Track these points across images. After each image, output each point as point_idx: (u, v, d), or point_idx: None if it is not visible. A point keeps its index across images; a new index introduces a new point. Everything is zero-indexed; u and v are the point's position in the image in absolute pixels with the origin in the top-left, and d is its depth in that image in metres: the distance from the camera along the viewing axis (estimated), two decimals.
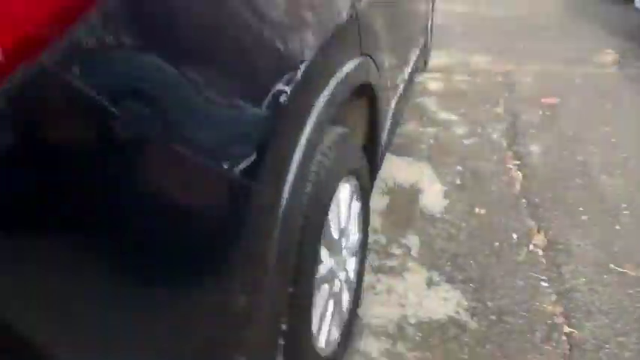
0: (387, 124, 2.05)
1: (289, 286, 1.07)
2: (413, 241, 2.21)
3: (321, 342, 1.43)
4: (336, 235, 1.44)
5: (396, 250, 2.17)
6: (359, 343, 1.80)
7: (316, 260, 1.18)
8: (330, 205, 1.27)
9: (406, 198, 2.49)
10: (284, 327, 1.10)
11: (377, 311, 1.90)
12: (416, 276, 2.04)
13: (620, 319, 1.80)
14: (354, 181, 1.56)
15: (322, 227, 1.21)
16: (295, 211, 0.95)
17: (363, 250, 1.86)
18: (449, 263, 2.09)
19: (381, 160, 2.10)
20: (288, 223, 0.90)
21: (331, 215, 1.42)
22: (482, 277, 2.01)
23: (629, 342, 1.72)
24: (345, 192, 1.50)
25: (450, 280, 2.01)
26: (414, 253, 2.15)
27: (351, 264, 1.74)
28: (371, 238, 2.21)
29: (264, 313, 0.89)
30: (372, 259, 2.12)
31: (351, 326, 1.79)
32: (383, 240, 2.23)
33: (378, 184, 2.56)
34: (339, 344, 1.62)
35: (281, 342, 1.11)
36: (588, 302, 1.87)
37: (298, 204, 0.96)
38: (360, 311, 1.90)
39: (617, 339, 1.73)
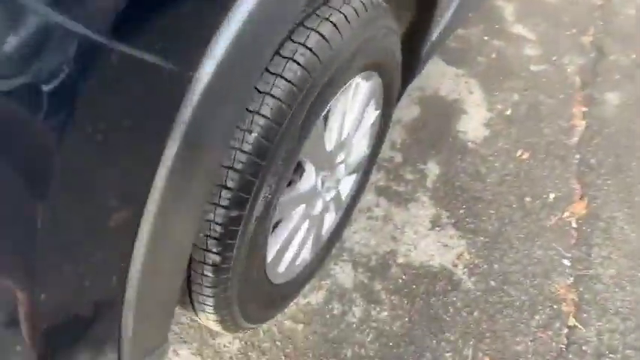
0: (447, 14, 1.58)
1: (228, 209, 0.78)
2: (432, 169, 1.87)
3: (281, 267, 1.18)
4: (329, 147, 1.11)
5: (409, 175, 1.84)
6: (334, 268, 1.57)
7: (279, 181, 0.86)
8: (326, 104, 0.92)
9: (441, 115, 2.09)
10: (215, 258, 0.82)
11: (364, 238, 1.64)
12: (422, 211, 1.73)
13: (637, 330, 1.51)
14: (377, 80, 1.18)
15: (303, 134, 0.87)
16: (227, 95, 0.59)
17: (367, 168, 1.54)
18: (465, 206, 1.77)
19: (425, 60, 1.67)
20: (208, 111, 0.54)
21: (331, 120, 1.08)
22: (498, 233, 1.70)
23: (637, 359, 1.45)
24: (360, 93, 1.14)
25: (460, 226, 1.70)
26: (428, 183, 1.82)
27: (347, 183, 1.43)
28: (385, 153, 1.88)
29: (168, 232, 0.59)
30: (378, 178, 1.81)
31: (329, 249, 1.54)
32: (398, 158, 1.89)
33: (412, 90, 2.15)
34: (306, 267, 1.37)
35: (208, 273, 0.84)
36: (608, 299, 1.57)
37: (239, 86, 0.60)
38: (346, 233, 1.64)
39: (625, 351, 1.46)
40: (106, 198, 0.49)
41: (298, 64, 0.79)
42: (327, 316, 1.48)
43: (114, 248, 0.54)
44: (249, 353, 1.42)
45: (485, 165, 1.92)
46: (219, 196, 0.79)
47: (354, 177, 1.47)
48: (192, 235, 0.63)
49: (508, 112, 2.17)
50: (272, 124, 0.78)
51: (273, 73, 0.78)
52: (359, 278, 1.55)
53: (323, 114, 0.94)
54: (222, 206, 0.79)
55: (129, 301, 0.61)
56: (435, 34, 1.57)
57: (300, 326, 1.46)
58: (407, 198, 1.77)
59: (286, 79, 0.78)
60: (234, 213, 0.81)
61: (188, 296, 0.94)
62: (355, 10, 0.90)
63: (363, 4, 0.93)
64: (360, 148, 1.40)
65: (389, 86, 1.31)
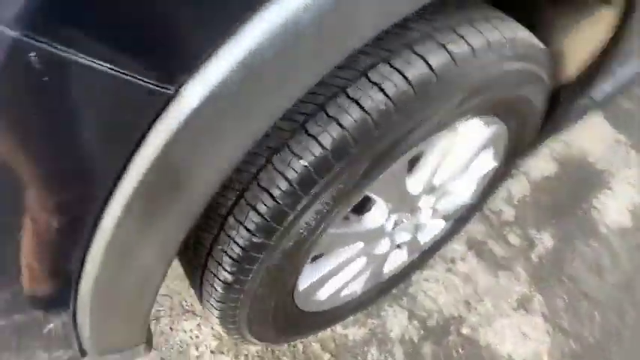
0: (629, 67, 1.26)
1: (252, 234, 0.67)
2: (545, 240, 1.58)
3: (319, 296, 1.06)
4: (414, 190, 0.93)
5: (515, 238, 1.57)
6: (387, 310, 1.40)
7: (322, 220, 0.72)
8: (414, 146, 0.75)
9: (580, 182, 1.75)
10: (227, 277, 0.72)
11: (434, 291, 1.44)
12: (513, 285, 1.47)
13: None
14: (501, 128, 0.96)
15: (371, 176, 0.72)
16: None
17: (464, 217, 1.32)
18: (567, 298, 1.47)
19: (579, 116, 1.37)
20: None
21: (423, 162, 0.90)
22: (596, 345, 1.38)
23: None
24: (472, 138, 0.94)
25: (551, 320, 1.42)
26: (533, 255, 1.54)
27: (432, 228, 1.24)
28: (494, 203, 1.63)
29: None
30: (476, 228, 1.57)
31: (389, 288, 1.37)
32: (509, 215, 1.63)
33: (556, 141, 1.83)
34: (354, 299, 1.23)
35: (217, 288, 0.75)
36: None
37: (247, 117, 0.45)
38: (416, 276, 1.46)
39: None
40: (58, 199, 0.41)
41: (385, 94, 0.63)
42: (359, 358, 1.32)
43: (63, 255, 0.46)
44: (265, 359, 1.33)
45: (612, 259, 1.57)
46: (246, 217, 0.68)
47: (442, 223, 1.27)
48: (164, 260, 0.54)
49: None
50: (329, 156, 0.64)
51: (351, 98, 0.63)
52: (410, 332, 1.37)
53: (408, 155, 0.77)
54: (247, 229, 0.68)
55: (83, 307, 0.53)
56: (601, 90, 1.27)
57: (327, 356, 1.33)
58: (501, 264, 1.51)
59: (363, 109, 0.63)
60: (257, 239, 0.69)
61: (199, 295, 0.86)
62: (489, 44, 0.71)
63: (505, 40, 0.73)
64: (461, 196, 1.19)
65: (517, 137, 1.08)
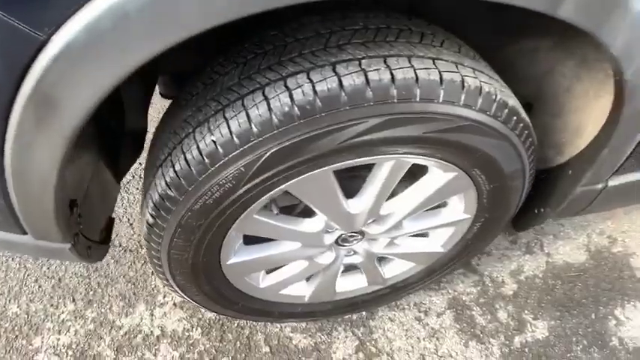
0: None
1: (167, 187, 0.82)
2: (539, 331, 1.48)
3: (258, 281, 1.14)
4: (353, 210, 0.98)
5: (504, 316, 1.50)
6: (340, 332, 1.43)
7: (225, 195, 0.81)
8: (328, 161, 0.81)
9: (610, 285, 1.60)
10: (149, 218, 0.87)
11: (394, 333, 1.44)
12: None
13: None
14: (460, 177, 0.95)
15: (273, 172, 0.80)
16: None
17: (437, 268, 1.31)
18: None
19: (600, 201, 1.22)
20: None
21: (366, 186, 0.95)
22: None
23: None
24: (428, 179, 0.97)
25: None
26: (517, 340, 1.46)
27: (400, 266, 1.29)
28: (498, 274, 1.56)
29: None
30: (466, 290, 1.52)
31: (346, 310, 1.41)
32: (509, 289, 1.56)
33: (597, 232, 1.69)
34: (300, 305, 1.29)
35: (144, 225, 0.88)
36: None
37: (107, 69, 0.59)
38: (383, 312, 1.46)
39: None
40: None
41: (292, 99, 0.71)
42: None
43: None
44: (213, 329, 1.42)
45: None
46: (167, 171, 0.80)
47: (409, 264, 1.28)
48: (53, 165, 0.67)
49: None
50: (234, 139, 0.73)
51: (265, 96, 0.72)
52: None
53: (328, 167, 0.82)
54: (165, 181, 0.81)
55: (10, 189, 0.72)
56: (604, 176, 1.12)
57: (266, 349, 1.40)
58: (477, 335, 1.45)
59: (269, 107, 0.72)
60: (171, 192, 0.81)
61: None
62: (417, 80, 0.73)
63: (444, 81, 0.75)
64: (429, 240, 1.20)
65: (489, 195, 1.04)
